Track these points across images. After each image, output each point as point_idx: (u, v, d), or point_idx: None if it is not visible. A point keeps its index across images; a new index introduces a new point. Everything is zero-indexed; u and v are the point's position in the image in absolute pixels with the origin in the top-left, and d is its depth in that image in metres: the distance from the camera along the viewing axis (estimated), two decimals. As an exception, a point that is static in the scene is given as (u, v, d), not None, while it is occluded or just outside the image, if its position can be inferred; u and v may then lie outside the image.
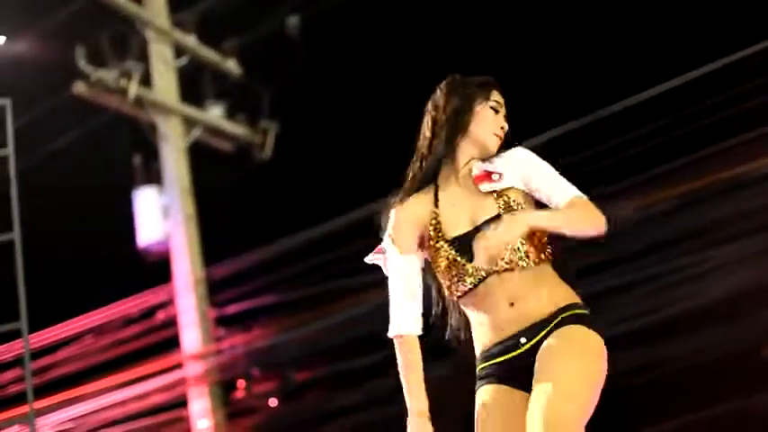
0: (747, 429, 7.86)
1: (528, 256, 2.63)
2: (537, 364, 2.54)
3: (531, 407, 2.45)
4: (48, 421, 6.97)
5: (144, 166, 10.26)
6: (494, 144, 2.81)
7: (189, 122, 10.40)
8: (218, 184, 10.37)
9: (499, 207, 2.67)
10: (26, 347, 5.43)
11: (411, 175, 2.84)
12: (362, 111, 11.01)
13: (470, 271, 2.65)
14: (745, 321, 7.84)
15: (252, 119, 11.02)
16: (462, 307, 2.77)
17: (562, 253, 2.76)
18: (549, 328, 2.59)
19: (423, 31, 10.68)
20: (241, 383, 10.06)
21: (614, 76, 8.96)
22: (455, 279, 2.68)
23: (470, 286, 2.66)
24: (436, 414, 2.69)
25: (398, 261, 2.76)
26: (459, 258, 2.66)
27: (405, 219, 2.78)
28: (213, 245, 10.01)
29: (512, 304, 2.62)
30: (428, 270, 2.82)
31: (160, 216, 10.05)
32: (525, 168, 2.74)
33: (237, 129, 10.91)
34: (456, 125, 2.78)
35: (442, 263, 2.70)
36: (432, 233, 2.74)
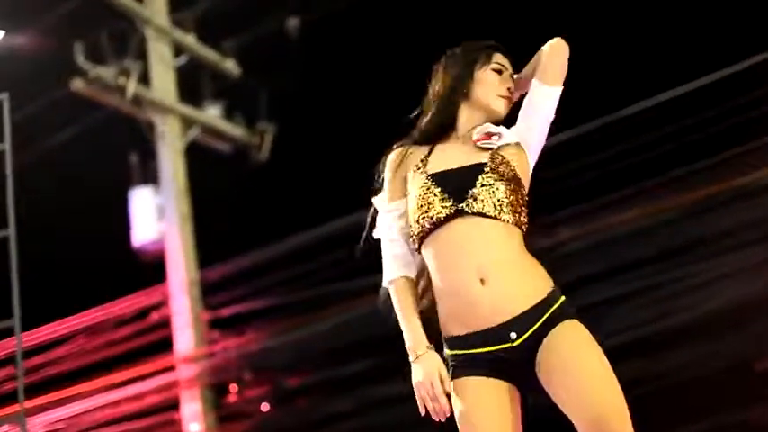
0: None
1: (503, 207, 2.57)
2: (558, 363, 2.48)
3: (584, 403, 2.42)
4: (38, 421, 6.90)
5: (140, 166, 10.22)
6: (501, 106, 2.78)
7: (186, 122, 10.36)
8: (214, 185, 10.32)
9: (489, 158, 2.65)
10: (18, 346, 5.35)
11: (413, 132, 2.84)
12: (360, 114, 10.97)
13: (440, 202, 2.58)
14: (743, 333, 7.81)
15: (250, 120, 10.99)
16: (425, 258, 2.65)
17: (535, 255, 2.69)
18: (540, 323, 2.51)
19: (422, 35, 10.65)
20: (233, 387, 10.00)
21: (619, 82, 8.93)
22: (422, 212, 2.60)
23: (436, 220, 2.57)
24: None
25: (384, 210, 2.77)
26: (432, 186, 2.61)
27: (393, 161, 2.78)
28: (209, 247, 9.96)
29: (482, 281, 2.51)
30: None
31: (156, 216, 10.00)
32: (520, 124, 2.77)
33: (235, 130, 10.88)
34: (455, 92, 2.77)
35: (416, 193, 2.63)
36: (414, 169, 2.70)
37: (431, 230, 2.60)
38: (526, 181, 2.70)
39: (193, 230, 9.96)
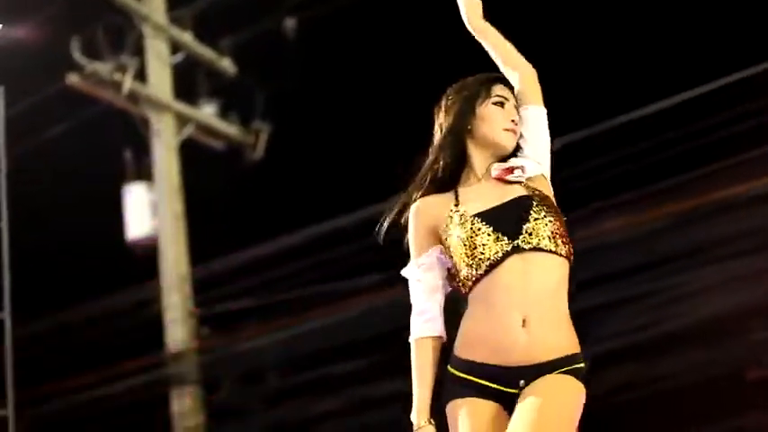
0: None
1: (556, 239, 2.56)
2: (524, 398, 2.48)
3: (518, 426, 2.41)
4: (27, 414, 6.89)
5: (135, 162, 10.21)
6: (507, 139, 2.72)
7: (181, 119, 10.35)
8: (208, 183, 10.32)
9: (528, 191, 2.61)
10: (9, 338, 5.36)
11: (424, 176, 2.76)
12: (355, 115, 10.98)
13: (496, 240, 2.53)
14: (735, 342, 7.83)
15: (245, 119, 10.98)
16: (471, 302, 2.61)
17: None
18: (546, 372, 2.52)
19: (418, 35, 10.66)
20: (223, 385, 9.99)
21: (611, 92, 8.95)
22: (476, 252, 2.54)
23: (494, 260, 2.51)
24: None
25: (415, 264, 2.71)
26: (482, 227, 2.55)
27: (421, 216, 2.70)
28: (201, 244, 9.96)
29: (524, 322, 2.50)
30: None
31: (149, 212, 10.00)
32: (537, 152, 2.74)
33: (230, 128, 10.87)
34: (460, 131, 2.72)
35: (463, 236, 2.56)
36: (449, 217, 2.62)
37: (486, 273, 2.55)
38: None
39: (186, 227, 9.96)
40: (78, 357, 8.59)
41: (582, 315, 2.84)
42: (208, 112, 10.70)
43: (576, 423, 2.50)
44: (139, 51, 10.06)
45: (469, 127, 2.71)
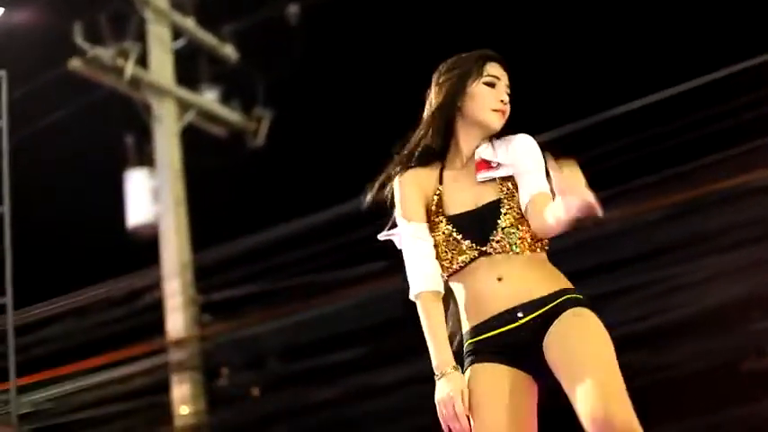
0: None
1: (521, 243, 2.63)
2: (563, 347, 2.51)
3: (588, 392, 2.41)
4: (27, 399, 6.89)
5: (136, 148, 10.21)
6: (495, 120, 2.75)
7: (183, 105, 10.34)
8: (209, 169, 10.31)
9: (500, 192, 2.68)
10: (10, 323, 5.36)
11: (411, 151, 2.80)
12: (357, 103, 10.97)
13: (464, 249, 2.65)
14: (730, 333, 7.84)
15: (246, 105, 10.97)
16: (451, 285, 2.73)
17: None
18: (548, 308, 2.56)
19: (420, 21, 10.65)
20: (224, 371, 10.01)
21: (615, 80, 8.94)
22: (447, 255, 2.67)
23: (462, 264, 2.65)
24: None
25: (408, 228, 2.74)
26: (455, 235, 2.66)
27: (411, 188, 2.75)
28: (202, 230, 9.96)
29: (499, 279, 2.61)
30: None
31: (150, 198, 10.00)
32: (519, 156, 2.72)
33: (231, 115, 10.86)
34: (449, 109, 2.75)
35: (439, 237, 2.69)
36: (433, 207, 2.73)
37: (457, 271, 2.68)
38: None
39: (187, 214, 9.95)
40: (79, 343, 8.59)
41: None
42: (209, 98, 10.69)
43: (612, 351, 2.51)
44: (141, 37, 10.04)
45: (459, 105, 2.75)
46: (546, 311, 2.56)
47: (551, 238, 2.71)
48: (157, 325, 9.44)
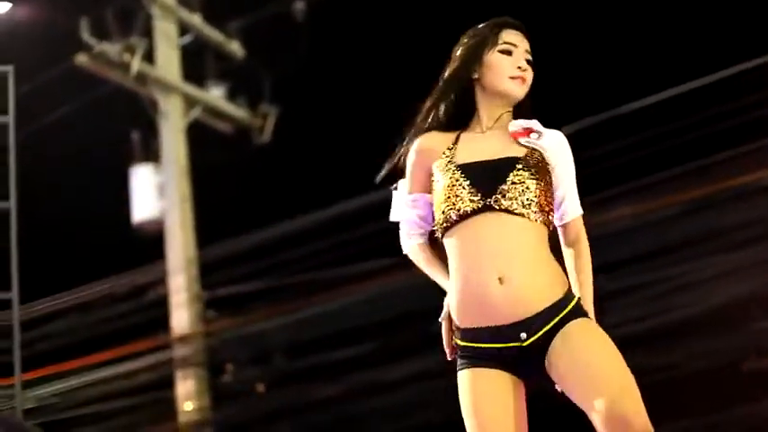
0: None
1: (528, 205, 2.52)
2: (572, 364, 2.46)
3: (603, 400, 2.40)
4: (32, 394, 6.90)
5: (142, 143, 10.22)
6: (514, 87, 2.66)
7: (189, 101, 10.35)
8: (215, 165, 10.32)
9: (524, 154, 2.59)
10: (16, 318, 5.35)
11: (424, 122, 2.74)
12: (363, 99, 10.96)
13: (467, 196, 2.53)
14: (732, 333, 7.81)
15: (252, 102, 10.98)
16: (446, 247, 2.60)
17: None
18: (551, 325, 2.48)
19: (426, 17, 10.63)
20: (228, 367, 10.01)
21: (616, 80, 8.92)
22: (450, 204, 2.55)
23: (462, 213, 2.53)
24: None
25: (405, 200, 2.75)
26: (462, 180, 2.55)
27: (420, 153, 2.70)
28: (207, 226, 9.96)
29: (500, 280, 2.48)
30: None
31: (156, 194, 10.01)
32: (562, 152, 2.65)
33: (237, 111, 10.87)
34: (463, 78, 2.69)
35: (444, 183, 2.58)
36: (441, 160, 2.63)
37: (456, 222, 2.56)
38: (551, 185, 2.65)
39: (193, 210, 9.96)
40: (83, 339, 8.60)
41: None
42: (216, 94, 10.71)
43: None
44: (148, 33, 10.05)
45: (476, 75, 2.68)
46: (549, 329, 2.49)
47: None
48: (162, 321, 9.45)
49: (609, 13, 9.73)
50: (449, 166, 2.60)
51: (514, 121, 2.67)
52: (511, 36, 2.68)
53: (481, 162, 2.58)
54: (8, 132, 5.51)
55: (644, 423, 2.39)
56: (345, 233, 8.50)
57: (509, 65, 2.65)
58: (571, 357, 2.46)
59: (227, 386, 9.88)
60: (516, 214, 2.51)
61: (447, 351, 2.63)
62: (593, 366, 2.44)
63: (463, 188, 2.54)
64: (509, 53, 2.66)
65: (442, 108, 2.73)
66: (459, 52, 2.73)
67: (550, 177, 2.61)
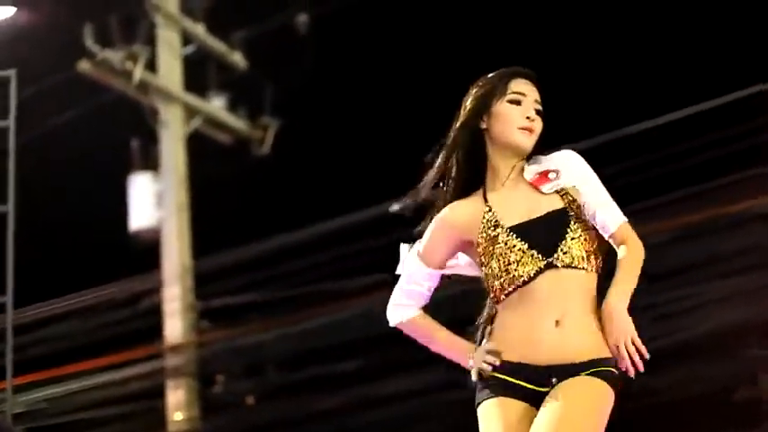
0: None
1: (588, 259, 2.53)
2: (549, 402, 2.47)
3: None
4: (22, 399, 6.88)
5: (142, 152, 10.21)
6: (522, 139, 2.62)
7: (190, 111, 10.35)
8: (214, 176, 10.31)
9: (564, 202, 2.56)
10: (10, 322, 5.34)
11: (443, 179, 2.70)
12: (364, 113, 10.97)
13: (530, 258, 2.51)
14: (728, 358, 7.80)
15: (253, 113, 10.98)
16: (502, 309, 2.59)
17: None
18: (576, 375, 2.49)
19: (430, 32, 10.65)
20: (219, 379, 9.98)
21: (621, 102, 8.94)
22: (510, 268, 2.53)
23: (527, 278, 2.51)
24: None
25: (415, 266, 2.69)
26: (519, 244, 2.52)
27: (444, 231, 2.66)
28: (204, 237, 9.96)
29: (557, 323, 2.49)
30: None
31: (154, 203, 10.00)
32: (579, 172, 2.62)
33: (238, 122, 10.87)
34: (473, 128, 2.65)
35: (498, 250, 2.54)
36: (483, 226, 2.59)
37: (519, 287, 2.54)
38: None
39: (190, 219, 9.95)
40: (76, 345, 8.57)
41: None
42: (217, 105, 10.70)
43: (602, 424, 2.48)
44: (151, 41, 10.06)
45: (485, 126, 2.64)
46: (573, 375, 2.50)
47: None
48: (156, 329, 9.42)
49: (606, 38, 9.77)
50: (497, 230, 2.57)
51: (528, 169, 2.64)
52: (520, 85, 2.65)
53: (531, 221, 2.56)
54: (8, 136, 5.51)
55: None
56: (342, 247, 8.49)
57: (518, 115, 2.62)
58: (551, 399, 2.47)
59: (217, 397, 9.85)
60: (577, 268, 2.52)
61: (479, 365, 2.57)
62: (552, 413, 2.43)
63: (522, 252, 2.53)
64: (518, 103, 2.63)
65: (454, 163, 2.68)
66: (468, 102, 2.68)
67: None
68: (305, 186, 11.46)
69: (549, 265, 2.51)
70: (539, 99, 2.66)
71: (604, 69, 9.64)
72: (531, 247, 2.52)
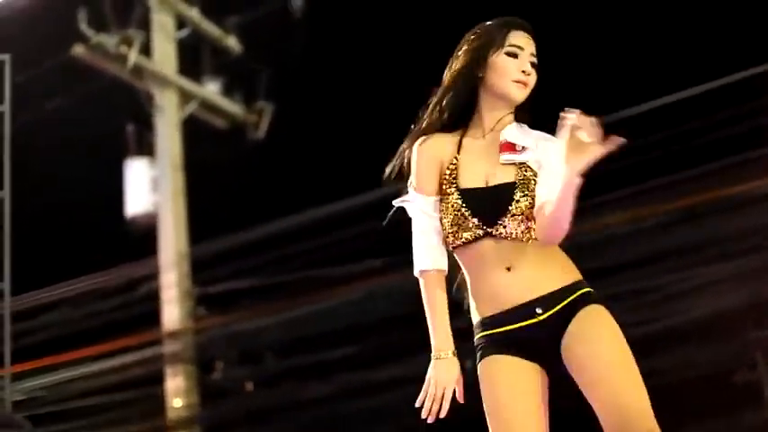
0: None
1: (527, 233, 2.57)
2: (585, 350, 2.49)
3: (610, 395, 2.45)
4: (20, 387, 6.86)
5: (137, 137, 10.17)
6: (516, 91, 2.66)
7: (185, 96, 10.30)
8: (210, 160, 10.27)
9: (517, 175, 2.60)
10: (7, 309, 5.32)
11: (429, 119, 2.74)
12: (360, 97, 10.93)
13: (470, 226, 2.59)
14: (727, 341, 7.81)
15: (248, 98, 10.94)
16: (457, 259, 2.68)
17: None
18: (565, 303, 2.53)
19: (424, 13, 10.61)
20: (218, 365, 9.97)
21: (620, 84, 8.90)
22: (454, 229, 2.62)
23: (465, 240, 2.60)
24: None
25: (418, 200, 2.71)
26: (463, 210, 2.60)
27: (427, 157, 2.71)
28: (201, 222, 9.92)
29: (509, 269, 2.56)
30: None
31: (149, 188, 9.96)
32: (553, 161, 2.60)
33: (233, 107, 10.83)
34: (468, 78, 2.69)
35: (447, 209, 2.64)
36: (447, 176, 2.67)
37: (463, 245, 2.63)
38: None
39: (186, 205, 9.91)
40: (73, 332, 8.55)
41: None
42: (211, 89, 10.67)
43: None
44: (145, 25, 10.00)
45: (480, 75, 2.68)
46: (563, 307, 2.53)
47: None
48: (153, 316, 9.39)
49: (606, 18, 9.73)
50: (452, 188, 2.65)
51: (508, 130, 2.70)
52: (518, 38, 2.69)
53: (481, 189, 2.63)
54: (2, 121, 5.47)
55: (649, 427, 2.43)
56: (338, 232, 8.47)
57: (514, 68, 2.67)
58: (585, 348, 2.50)
59: (216, 383, 9.83)
60: (515, 240, 2.57)
61: (433, 410, 2.57)
62: (607, 375, 2.47)
63: (466, 217, 2.61)
64: (515, 56, 2.67)
65: (445, 104, 2.73)
66: (465, 49, 2.73)
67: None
68: (301, 171, 11.43)
69: (489, 235, 2.58)
70: (535, 52, 2.71)
71: (605, 50, 9.60)
72: (473, 215, 2.60)
